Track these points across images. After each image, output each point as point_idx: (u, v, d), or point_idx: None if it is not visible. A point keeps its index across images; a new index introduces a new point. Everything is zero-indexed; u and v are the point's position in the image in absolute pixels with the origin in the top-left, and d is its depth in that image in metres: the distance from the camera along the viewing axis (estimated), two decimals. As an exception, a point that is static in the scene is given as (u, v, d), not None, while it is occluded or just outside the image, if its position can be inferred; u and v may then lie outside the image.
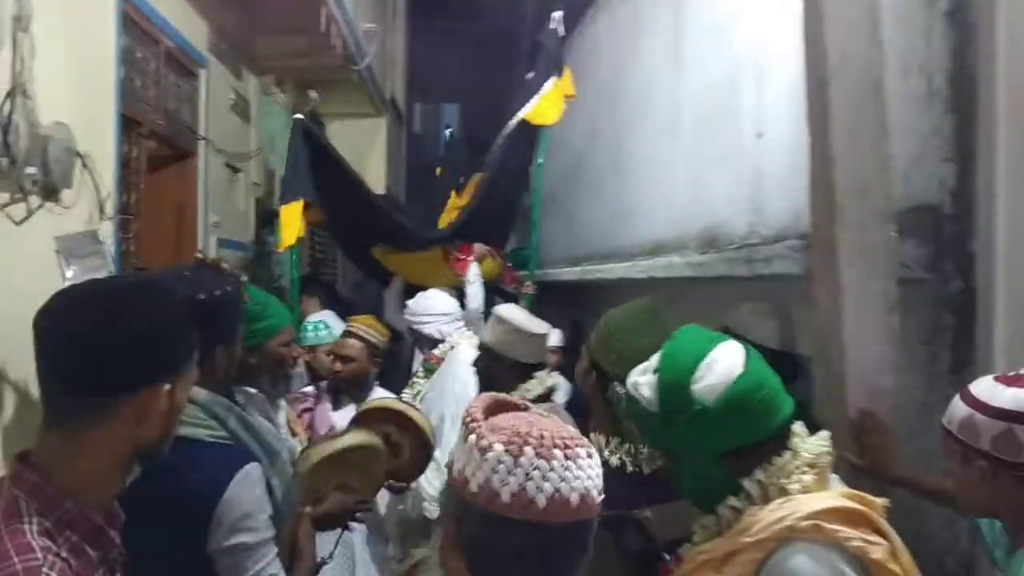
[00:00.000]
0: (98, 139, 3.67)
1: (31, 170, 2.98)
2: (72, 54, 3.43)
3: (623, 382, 2.01)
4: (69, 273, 2.70)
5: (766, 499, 1.47)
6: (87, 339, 1.22)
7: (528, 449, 1.14)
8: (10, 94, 2.89)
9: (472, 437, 1.18)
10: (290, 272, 4.86)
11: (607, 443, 2.11)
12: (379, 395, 3.60)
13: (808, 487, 1.47)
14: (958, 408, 1.70)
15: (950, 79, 2.38)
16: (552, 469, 1.14)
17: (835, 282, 2.05)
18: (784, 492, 1.46)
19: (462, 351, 4.16)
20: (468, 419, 1.22)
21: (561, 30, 5.28)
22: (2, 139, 2.84)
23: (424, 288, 5.45)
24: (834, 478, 1.56)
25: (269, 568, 1.80)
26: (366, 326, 3.78)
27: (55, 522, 1.20)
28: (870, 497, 1.47)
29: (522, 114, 5.06)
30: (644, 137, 5.02)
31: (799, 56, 3.02)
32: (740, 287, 3.30)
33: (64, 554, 1.19)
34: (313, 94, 5.61)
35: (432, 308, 4.40)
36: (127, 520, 1.38)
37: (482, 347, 3.12)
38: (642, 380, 1.57)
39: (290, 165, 4.77)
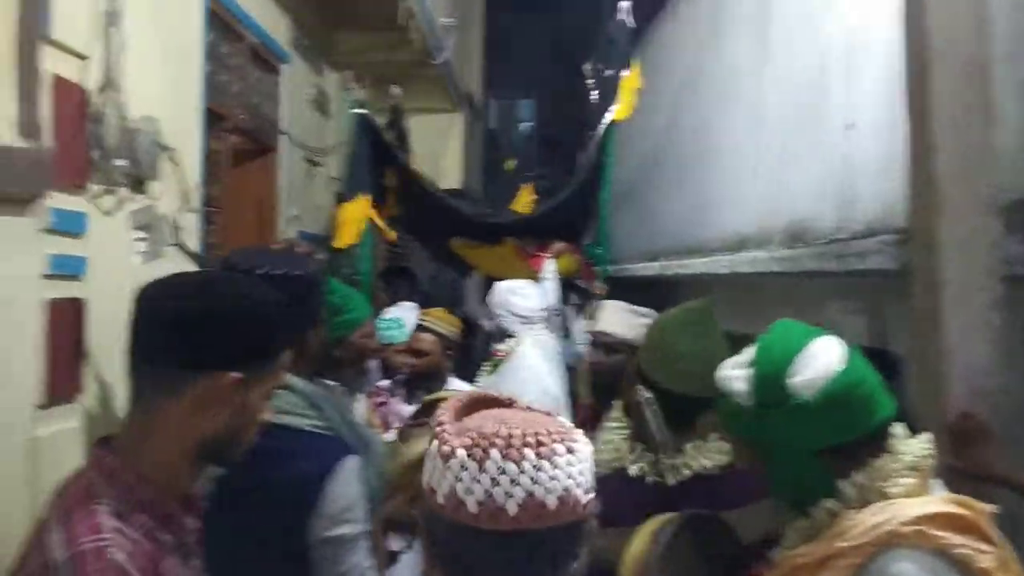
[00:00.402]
0: (184, 133, 3.74)
1: (120, 162, 3.06)
2: (160, 49, 3.50)
3: (650, 386, 1.95)
4: (143, 247, 2.72)
5: (864, 502, 1.40)
6: (169, 311, 1.26)
7: (493, 451, 1.04)
8: (102, 88, 2.97)
9: (435, 443, 1.09)
10: (363, 267, 4.87)
11: (632, 450, 2.01)
12: (455, 387, 3.58)
13: (909, 491, 1.40)
14: None
15: (1060, 64, 2.25)
16: (523, 471, 1.03)
17: (935, 278, 1.95)
18: (883, 495, 1.40)
19: (527, 348, 4.11)
20: (435, 423, 1.13)
21: (630, 21, 5.17)
22: (94, 132, 2.92)
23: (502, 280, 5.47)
24: (936, 483, 1.48)
25: (364, 561, 1.79)
26: (437, 319, 3.77)
27: (129, 506, 1.22)
28: (976, 502, 1.39)
29: (611, 115, 4.96)
30: (726, 128, 4.91)
31: (894, 43, 2.91)
32: (827, 283, 3.19)
33: (135, 536, 1.21)
34: (396, 90, 5.63)
35: (510, 306, 4.33)
36: (225, 504, 1.39)
37: (622, 346, 2.99)
38: (735, 373, 1.51)
39: (351, 161, 4.78)
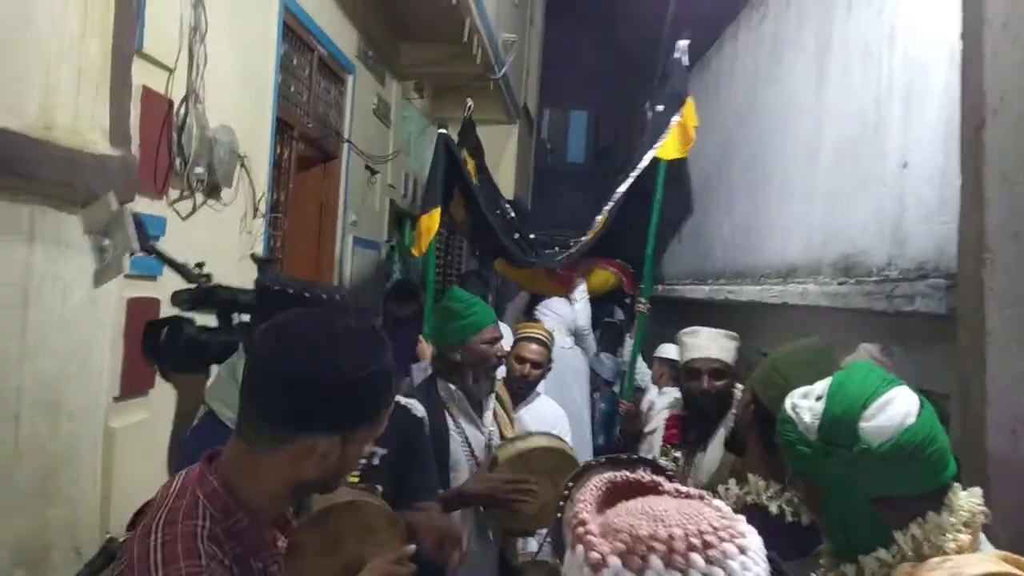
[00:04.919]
0: (256, 142, 3.91)
1: (199, 170, 3.23)
2: (238, 61, 3.67)
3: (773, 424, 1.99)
4: (98, 258, 2.50)
5: (919, 556, 1.38)
6: (286, 374, 1.32)
7: (654, 559, 0.87)
8: (185, 99, 3.14)
9: (580, 548, 0.92)
10: (430, 275, 5.01)
11: (767, 488, 2.04)
12: (545, 403, 3.60)
13: (963, 547, 1.38)
14: None
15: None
16: None
17: (980, 325, 2.01)
18: (938, 550, 1.37)
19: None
20: (574, 521, 0.95)
21: (686, 60, 5.20)
22: (177, 140, 3.09)
23: (545, 296, 5.63)
24: (982, 537, 1.45)
25: None
26: (541, 331, 3.79)
27: (225, 530, 1.32)
28: None
29: (653, 152, 5.01)
30: (780, 157, 4.95)
31: (952, 87, 2.96)
32: (876, 319, 3.24)
33: (227, 561, 1.30)
34: (469, 101, 5.74)
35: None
36: None
37: (728, 370, 3.12)
38: (803, 404, 1.50)
39: (430, 176, 4.96)
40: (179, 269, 2.36)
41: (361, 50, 5.74)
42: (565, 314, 4.83)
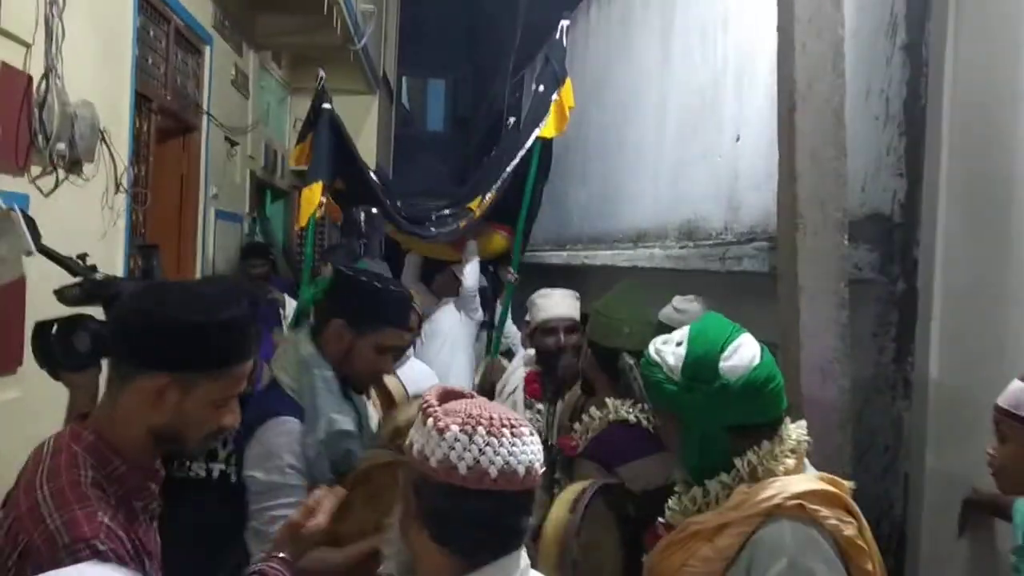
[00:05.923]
0: (116, 115, 3.87)
1: (60, 145, 3.21)
2: (95, 34, 3.63)
3: (631, 352, 2.27)
4: None
5: (754, 478, 1.65)
6: (130, 316, 1.46)
7: (480, 428, 1.30)
8: (45, 75, 3.11)
9: (430, 420, 1.33)
10: (307, 248, 5.01)
11: (623, 404, 2.34)
12: (416, 364, 3.78)
13: (790, 470, 1.66)
14: (1020, 389, 1.84)
15: (904, 104, 2.68)
16: (502, 445, 1.30)
17: (794, 280, 2.33)
18: (771, 473, 1.65)
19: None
20: (425, 405, 1.37)
21: (565, 42, 5.37)
22: (38, 116, 3.06)
23: (437, 260, 5.72)
24: (806, 462, 1.73)
25: (275, 511, 2.01)
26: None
27: (105, 476, 1.42)
28: (840, 480, 1.69)
29: (537, 131, 5.14)
30: (631, 130, 5.26)
31: (775, 69, 3.29)
32: (713, 279, 3.57)
33: (113, 502, 1.41)
34: (321, 72, 5.73)
35: None
36: None
37: (578, 326, 3.27)
38: (666, 349, 1.72)
39: (314, 150, 4.96)
40: (66, 265, 2.25)
41: (218, 20, 5.67)
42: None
